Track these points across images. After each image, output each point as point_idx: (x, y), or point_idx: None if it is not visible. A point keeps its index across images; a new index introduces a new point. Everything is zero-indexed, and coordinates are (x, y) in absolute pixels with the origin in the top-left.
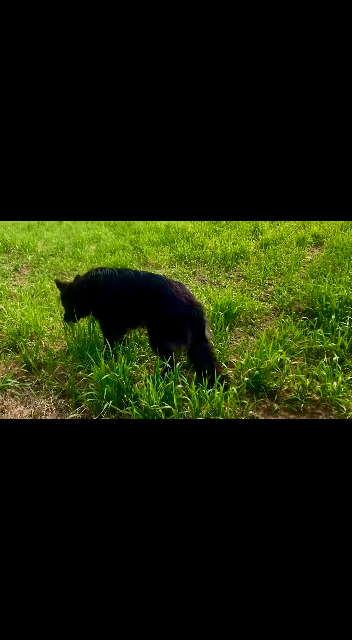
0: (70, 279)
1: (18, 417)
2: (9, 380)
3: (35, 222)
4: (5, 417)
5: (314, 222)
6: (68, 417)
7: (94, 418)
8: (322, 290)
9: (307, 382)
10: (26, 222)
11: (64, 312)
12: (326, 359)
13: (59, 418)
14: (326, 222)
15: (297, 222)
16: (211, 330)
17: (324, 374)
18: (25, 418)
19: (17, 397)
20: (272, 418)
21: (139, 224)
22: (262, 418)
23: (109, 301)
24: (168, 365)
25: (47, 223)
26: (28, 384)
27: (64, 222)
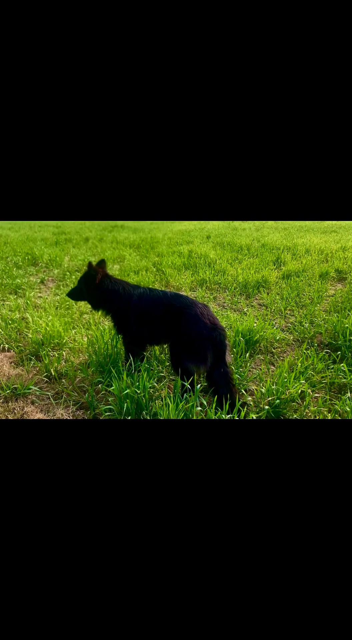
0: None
1: None
2: (30, 387)
3: (63, 238)
4: None
5: (338, 257)
6: None
7: None
8: (347, 325)
9: (329, 416)
10: (54, 238)
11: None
12: (349, 394)
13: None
14: (350, 257)
15: (321, 255)
16: (231, 355)
17: (348, 409)
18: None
19: (37, 404)
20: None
21: (162, 248)
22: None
23: (137, 319)
24: (188, 386)
25: (74, 240)
26: (48, 393)
27: (90, 240)
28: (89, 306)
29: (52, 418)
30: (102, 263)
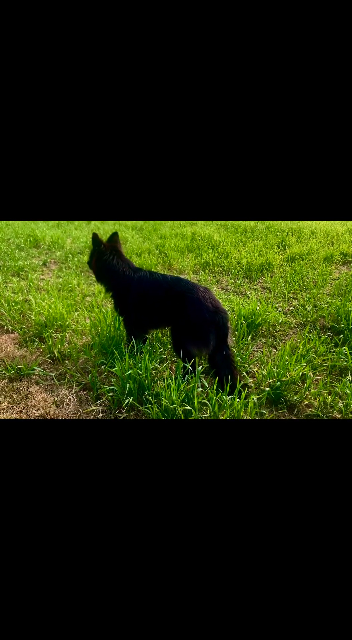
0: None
1: (41, 404)
2: (34, 367)
3: (65, 220)
4: (29, 403)
5: (344, 239)
6: (88, 410)
7: (113, 413)
8: (350, 308)
9: (329, 399)
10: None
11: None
12: (350, 377)
13: (74, 413)
14: None
15: (326, 238)
16: (233, 338)
17: (348, 392)
18: (47, 405)
19: (41, 384)
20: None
21: (165, 230)
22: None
23: (137, 302)
24: (190, 368)
25: (76, 222)
26: (52, 374)
27: (93, 222)
28: (93, 289)
29: (51, 418)
30: (114, 236)
